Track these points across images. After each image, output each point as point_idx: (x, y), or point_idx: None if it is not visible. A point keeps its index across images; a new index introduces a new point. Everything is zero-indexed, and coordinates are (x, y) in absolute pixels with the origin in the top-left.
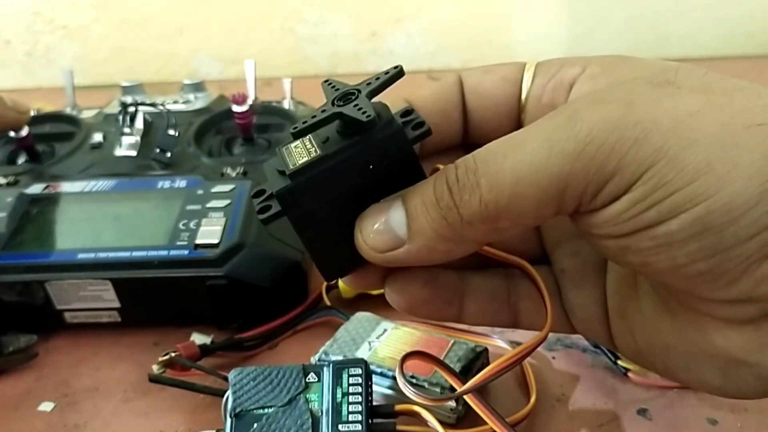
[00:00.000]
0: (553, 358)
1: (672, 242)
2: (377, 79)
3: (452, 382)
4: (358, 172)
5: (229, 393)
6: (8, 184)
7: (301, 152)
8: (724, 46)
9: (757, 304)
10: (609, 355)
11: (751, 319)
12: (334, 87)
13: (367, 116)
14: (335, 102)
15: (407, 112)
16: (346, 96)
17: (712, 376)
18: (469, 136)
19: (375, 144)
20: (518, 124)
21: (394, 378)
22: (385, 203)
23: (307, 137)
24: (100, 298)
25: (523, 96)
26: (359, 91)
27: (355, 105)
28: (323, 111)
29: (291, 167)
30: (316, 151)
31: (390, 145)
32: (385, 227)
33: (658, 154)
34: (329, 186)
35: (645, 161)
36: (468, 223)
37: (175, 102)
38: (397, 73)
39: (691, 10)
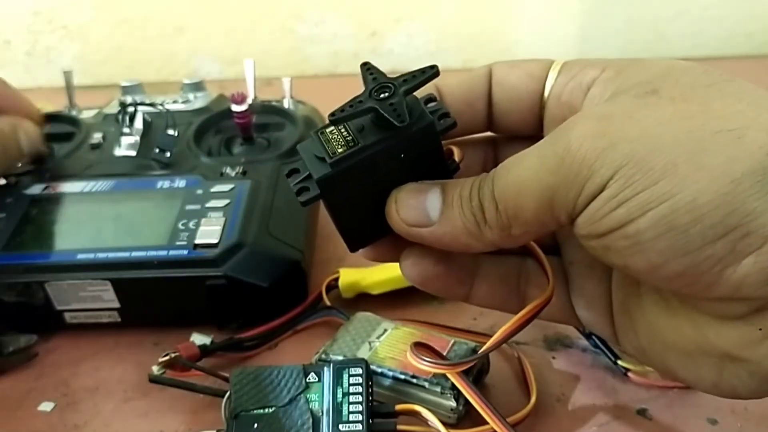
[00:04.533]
0: (554, 358)
1: (643, 241)
2: (414, 77)
3: (454, 379)
4: (391, 160)
5: (229, 393)
6: (8, 185)
7: (338, 140)
8: (724, 46)
9: (743, 302)
10: (609, 355)
11: (741, 315)
12: (371, 73)
13: (401, 121)
14: (372, 93)
15: (430, 99)
16: (383, 88)
17: (708, 373)
18: (493, 126)
19: (408, 137)
20: (540, 119)
21: (394, 378)
22: (424, 185)
23: (345, 124)
24: (100, 298)
25: (546, 93)
26: (395, 86)
27: (391, 104)
28: (360, 102)
29: (331, 156)
30: (353, 140)
31: (422, 137)
32: (420, 205)
33: (626, 158)
34: (365, 172)
35: (613, 164)
36: (489, 227)
37: (175, 102)
38: (434, 74)
39: (691, 10)
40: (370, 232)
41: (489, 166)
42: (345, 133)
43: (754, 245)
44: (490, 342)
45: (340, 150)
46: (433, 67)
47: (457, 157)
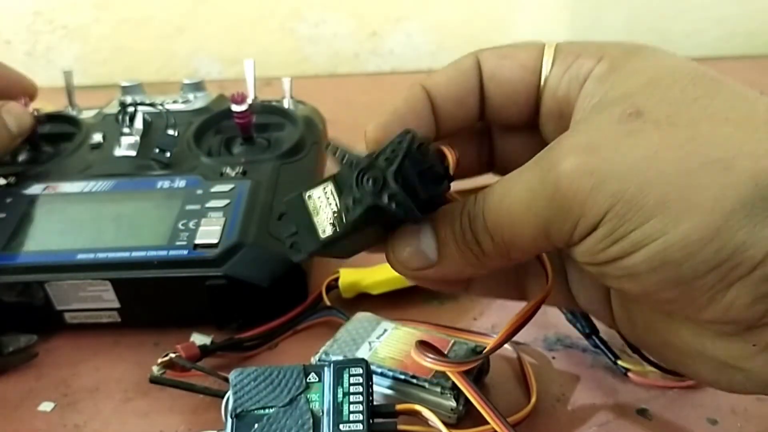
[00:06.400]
0: (553, 358)
1: (637, 273)
2: (394, 152)
3: (455, 378)
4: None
5: (229, 393)
6: (8, 185)
7: (326, 212)
8: (724, 46)
9: (733, 324)
10: (609, 355)
11: (733, 333)
12: (340, 154)
13: (416, 219)
14: (360, 182)
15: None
16: (372, 178)
17: (706, 372)
18: (486, 117)
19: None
20: (536, 112)
21: (394, 378)
22: (416, 228)
23: (330, 190)
24: (100, 298)
25: (541, 85)
26: (384, 176)
27: (399, 204)
28: (358, 200)
29: (322, 237)
30: (341, 217)
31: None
32: (417, 250)
33: (616, 197)
34: (355, 235)
35: (604, 204)
36: (488, 257)
37: (175, 102)
38: (410, 142)
39: (691, 10)
40: (361, 248)
41: (484, 158)
42: (333, 206)
43: (742, 273)
44: (492, 343)
45: (329, 230)
46: (407, 131)
47: (450, 162)
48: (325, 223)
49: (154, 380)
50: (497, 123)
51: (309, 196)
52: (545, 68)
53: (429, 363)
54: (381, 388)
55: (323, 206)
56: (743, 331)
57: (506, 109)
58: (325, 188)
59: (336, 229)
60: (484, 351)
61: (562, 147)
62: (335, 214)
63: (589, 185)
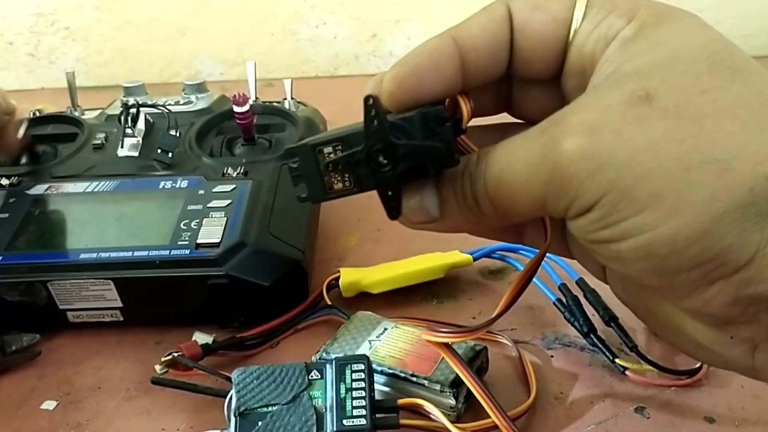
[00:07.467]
0: (552, 356)
1: (623, 259)
2: (408, 122)
3: (457, 368)
4: None
5: (232, 392)
6: (11, 185)
7: (336, 170)
8: None
9: (711, 317)
10: (607, 353)
11: (713, 323)
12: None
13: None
14: (374, 158)
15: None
16: (378, 148)
17: (687, 346)
18: (510, 69)
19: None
20: (561, 64)
21: (394, 376)
22: (420, 183)
23: (341, 150)
24: (103, 297)
25: (569, 39)
26: (395, 155)
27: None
28: (375, 185)
29: (330, 193)
30: (351, 181)
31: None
32: (420, 206)
33: (611, 185)
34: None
35: (599, 190)
36: (488, 217)
37: (177, 103)
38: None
39: (689, 11)
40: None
41: (501, 101)
42: (342, 167)
43: (725, 273)
44: (503, 302)
45: (337, 186)
46: (423, 111)
47: (465, 116)
48: (333, 180)
49: (156, 381)
50: (520, 76)
51: (319, 150)
52: (575, 22)
53: (443, 337)
54: (381, 386)
55: (332, 163)
56: (721, 324)
57: (533, 63)
58: (335, 146)
59: (343, 187)
60: (499, 309)
61: (568, 124)
62: (345, 174)
63: (588, 170)
